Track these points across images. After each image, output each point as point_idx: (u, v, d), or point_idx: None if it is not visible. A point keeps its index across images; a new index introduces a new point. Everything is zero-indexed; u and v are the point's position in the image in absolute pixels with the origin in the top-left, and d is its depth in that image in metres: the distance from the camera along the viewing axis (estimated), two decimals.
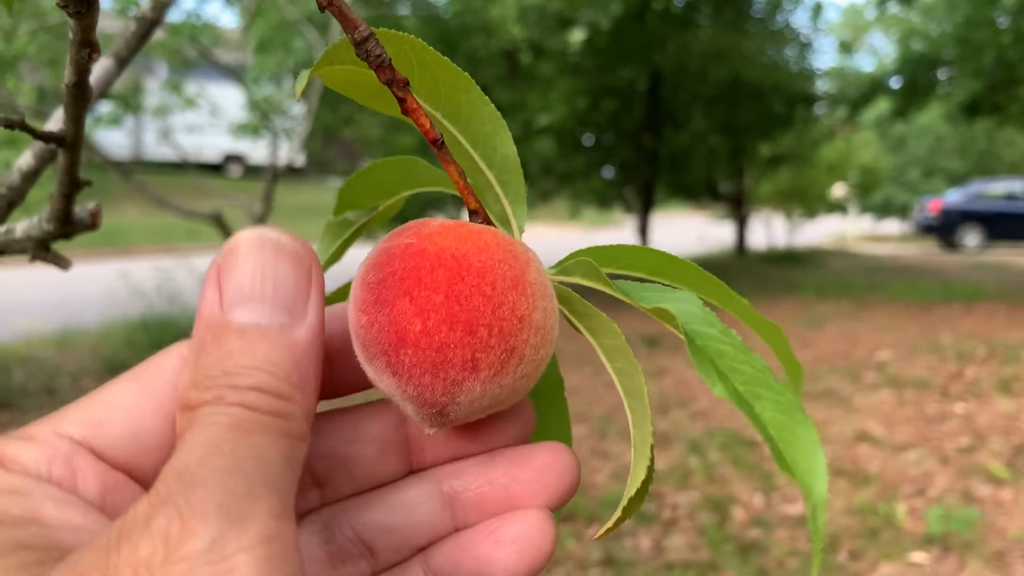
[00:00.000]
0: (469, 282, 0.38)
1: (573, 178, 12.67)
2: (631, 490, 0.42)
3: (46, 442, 0.36)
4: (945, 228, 20.13)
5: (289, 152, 8.11)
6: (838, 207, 23.29)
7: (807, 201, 19.37)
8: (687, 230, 20.61)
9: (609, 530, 0.43)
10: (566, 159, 11.70)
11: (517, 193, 0.45)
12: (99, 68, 0.64)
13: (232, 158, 22.73)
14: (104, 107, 8.41)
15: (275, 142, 8.28)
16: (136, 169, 10.08)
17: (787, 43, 13.72)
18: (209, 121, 8.98)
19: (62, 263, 0.61)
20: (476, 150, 0.45)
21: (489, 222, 0.45)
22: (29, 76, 6.28)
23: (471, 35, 9.61)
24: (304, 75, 0.41)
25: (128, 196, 13.39)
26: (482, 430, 0.44)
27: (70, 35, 0.44)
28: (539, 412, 0.48)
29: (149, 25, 0.61)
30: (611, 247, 0.45)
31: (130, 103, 8.12)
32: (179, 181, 11.59)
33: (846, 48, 16.55)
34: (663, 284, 0.45)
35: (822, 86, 15.31)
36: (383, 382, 0.40)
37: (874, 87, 13.42)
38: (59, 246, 0.71)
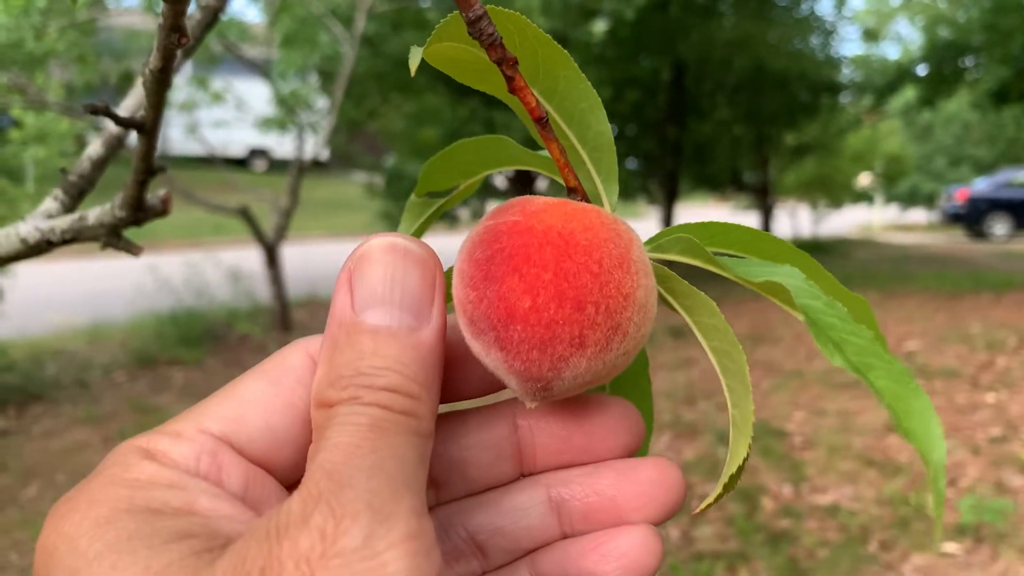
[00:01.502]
0: (577, 260, 0.39)
1: None
2: (732, 467, 0.43)
3: (192, 438, 0.38)
4: (973, 217, 19.90)
5: (314, 146, 8.16)
6: (864, 196, 23.09)
7: (832, 191, 19.21)
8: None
9: (710, 505, 0.44)
10: None
11: (609, 171, 0.46)
12: None
13: (257, 152, 22.86)
14: None
15: (300, 136, 8.32)
16: (163, 164, 10.13)
17: (812, 31, 13.57)
18: (235, 116, 9.04)
19: (133, 249, 0.62)
20: (571, 128, 0.45)
21: (587, 200, 0.46)
22: (58, 73, 6.35)
23: None
24: (417, 52, 0.42)
25: (155, 191, 13.44)
26: (593, 440, 0.45)
27: (160, 21, 0.45)
28: (623, 389, 0.49)
29: (213, 13, 0.62)
30: (702, 224, 0.46)
31: None
32: (205, 176, 11.69)
33: (871, 36, 16.36)
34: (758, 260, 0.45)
35: (847, 74, 15.14)
36: (490, 356, 0.41)
37: (900, 75, 13.26)
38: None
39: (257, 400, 0.40)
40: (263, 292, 8.04)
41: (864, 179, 22.21)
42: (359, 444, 0.34)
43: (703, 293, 0.43)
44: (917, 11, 13.99)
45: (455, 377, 0.45)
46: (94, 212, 0.60)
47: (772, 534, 3.49)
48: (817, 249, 16.46)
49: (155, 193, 0.60)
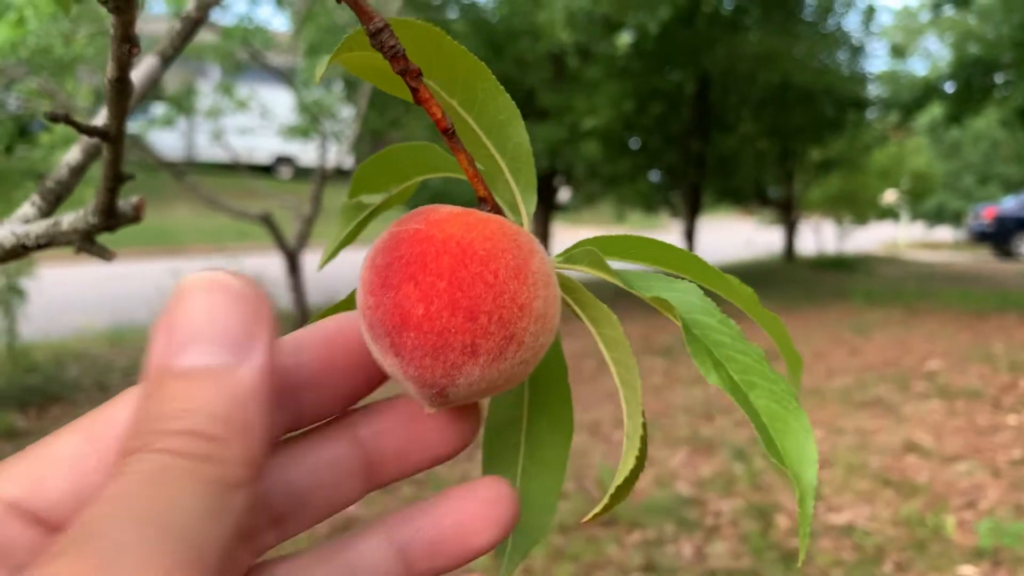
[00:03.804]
0: (472, 270, 0.40)
1: (619, 181, 12.61)
2: (619, 478, 0.43)
3: None
4: (1000, 235, 19.71)
5: (338, 154, 8.21)
6: (889, 213, 22.95)
7: (857, 207, 19.10)
8: (735, 235, 20.44)
9: (597, 515, 0.44)
10: (612, 162, 11.65)
11: (528, 181, 0.46)
12: (145, 66, 0.66)
13: (282, 160, 23.01)
14: (158, 109, 8.59)
15: (324, 144, 8.38)
16: (188, 170, 10.24)
17: (838, 46, 13.53)
18: (260, 123, 9.12)
19: (106, 255, 0.63)
20: (489, 138, 0.46)
21: (498, 210, 0.46)
22: (87, 78, 6.42)
23: (518, 39, 9.63)
24: (324, 60, 0.43)
25: (180, 196, 13.63)
26: (430, 438, 0.45)
27: (111, 31, 0.46)
28: (543, 395, 0.49)
29: (193, 24, 0.63)
30: (618, 237, 0.46)
31: (183, 105, 8.29)
32: (230, 182, 11.77)
33: (899, 52, 16.24)
34: (668, 274, 0.46)
35: (874, 90, 15.06)
36: (386, 362, 0.41)
37: (928, 91, 13.17)
38: (113, 241, 0.73)
39: (66, 459, 0.36)
40: (284, 299, 8.09)
41: (890, 196, 22.06)
42: (129, 495, 0.29)
43: (604, 306, 0.43)
44: (946, 27, 13.89)
45: (311, 399, 0.43)
46: (68, 218, 0.61)
47: (786, 552, 3.46)
48: (841, 265, 16.36)
49: (128, 200, 0.61)
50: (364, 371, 0.44)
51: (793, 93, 12.43)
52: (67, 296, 9.23)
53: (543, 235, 10.89)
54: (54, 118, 0.50)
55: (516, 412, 0.50)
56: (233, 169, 9.70)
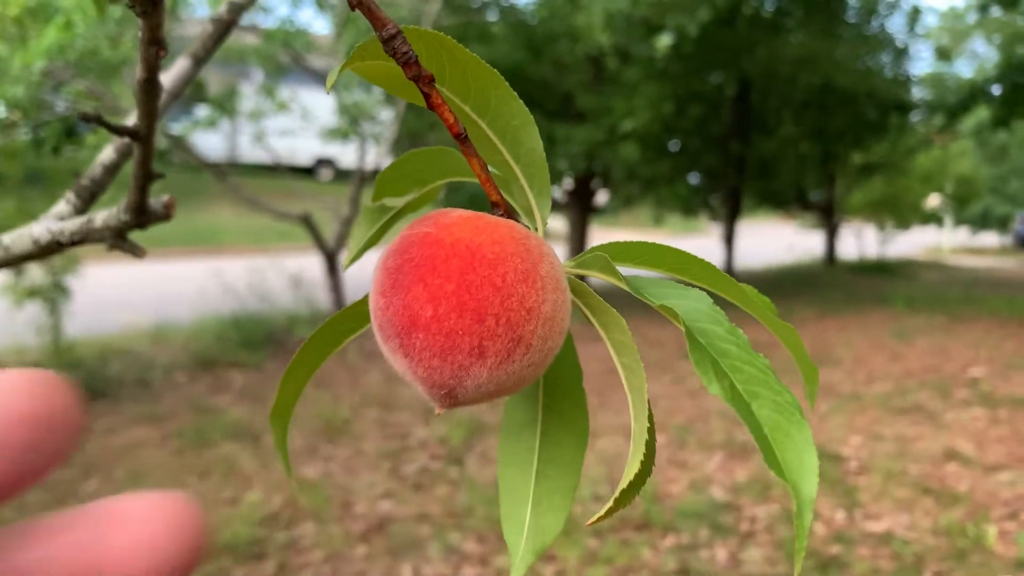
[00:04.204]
0: (480, 273, 0.40)
1: (657, 184, 12.52)
2: (625, 482, 0.43)
3: None
4: None
5: (377, 156, 8.27)
6: (933, 218, 22.58)
7: (900, 211, 18.82)
8: (775, 239, 20.24)
9: (601, 518, 0.44)
10: (651, 164, 11.57)
11: (542, 186, 0.47)
12: (178, 68, 0.68)
13: (323, 162, 23.18)
14: (201, 111, 8.71)
15: (363, 146, 8.45)
16: (231, 171, 10.39)
17: (882, 49, 13.34)
18: (301, 125, 9.21)
19: (137, 252, 0.64)
20: (503, 143, 0.46)
21: (510, 214, 0.47)
22: (132, 80, 6.52)
23: (557, 41, 9.62)
24: (335, 70, 0.44)
25: (222, 197, 13.81)
26: (124, 568, 0.28)
27: (139, 34, 0.47)
28: (557, 399, 0.49)
29: (225, 27, 0.64)
30: (633, 244, 0.46)
31: (226, 107, 8.40)
32: (271, 183, 11.91)
33: (944, 54, 15.98)
34: (681, 282, 0.46)
35: (918, 93, 14.83)
36: (396, 362, 0.42)
37: (973, 94, 12.93)
38: (157, 241, 0.75)
39: None
40: (323, 299, 8.17)
41: (933, 200, 21.72)
42: None
43: (614, 310, 0.43)
44: (994, 28, 13.65)
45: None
46: (101, 215, 0.63)
47: (823, 560, 3.42)
48: (883, 270, 16.14)
49: (158, 198, 0.62)
50: (25, 451, 0.27)
51: (835, 96, 12.27)
52: (112, 294, 9.39)
53: (580, 238, 10.89)
54: (86, 119, 0.52)
55: (531, 415, 0.50)
56: (274, 170, 9.82)
